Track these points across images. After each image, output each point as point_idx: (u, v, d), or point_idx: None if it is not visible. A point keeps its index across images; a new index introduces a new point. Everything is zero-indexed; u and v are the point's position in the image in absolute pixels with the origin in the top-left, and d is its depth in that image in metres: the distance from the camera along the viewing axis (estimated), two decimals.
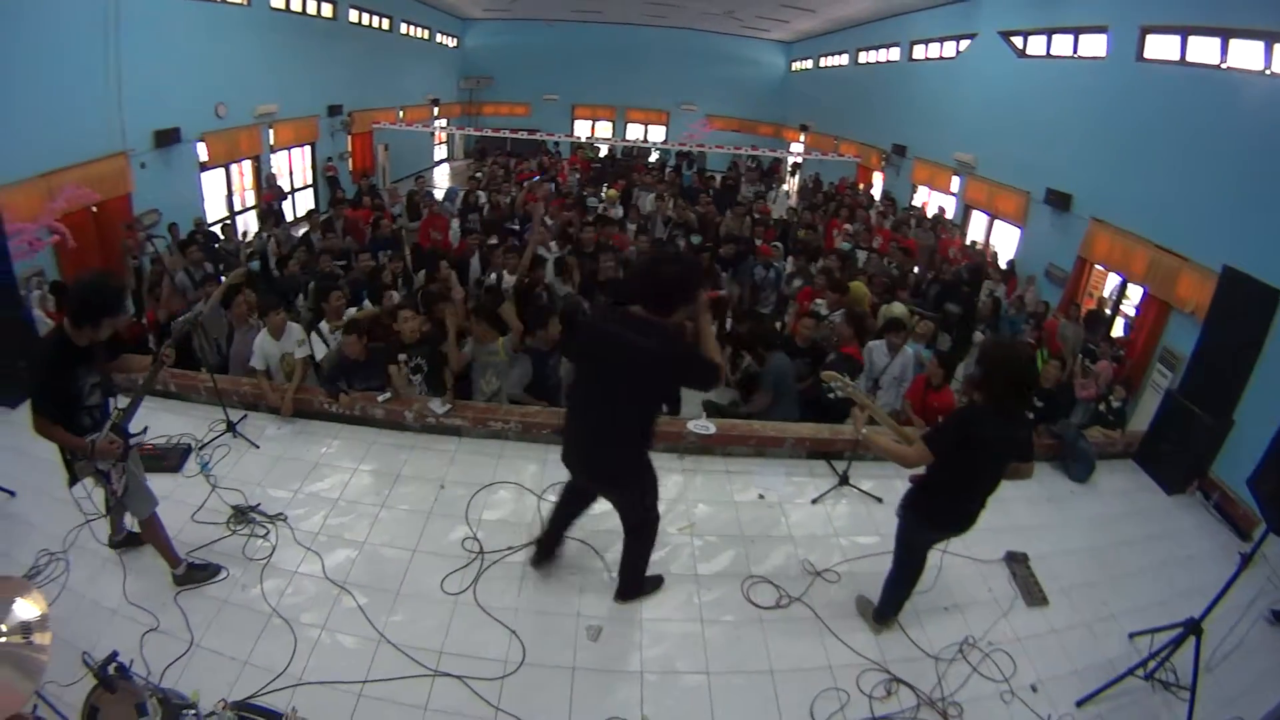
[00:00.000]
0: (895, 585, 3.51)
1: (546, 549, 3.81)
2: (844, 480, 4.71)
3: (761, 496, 4.59)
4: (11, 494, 4.55)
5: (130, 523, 3.95)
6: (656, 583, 3.80)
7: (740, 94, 24.53)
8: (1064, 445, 5.34)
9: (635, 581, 3.68)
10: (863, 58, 18.53)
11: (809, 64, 22.60)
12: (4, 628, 2.25)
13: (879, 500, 4.56)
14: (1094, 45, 9.49)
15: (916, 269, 9.16)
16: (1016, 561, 4.19)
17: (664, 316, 2.86)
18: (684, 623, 3.61)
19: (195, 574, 3.78)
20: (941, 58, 14.48)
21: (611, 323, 2.97)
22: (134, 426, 3.50)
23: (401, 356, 5.17)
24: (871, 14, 16.55)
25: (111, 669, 2.34)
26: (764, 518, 4.40)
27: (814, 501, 4.55)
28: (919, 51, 15.44)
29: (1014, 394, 2.98)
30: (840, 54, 19.90)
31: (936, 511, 3.23)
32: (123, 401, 3.53)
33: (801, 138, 22.56)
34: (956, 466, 3.01)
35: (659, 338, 2.82)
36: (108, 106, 8.51)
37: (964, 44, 13.30)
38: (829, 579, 3.92)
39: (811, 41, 21.93)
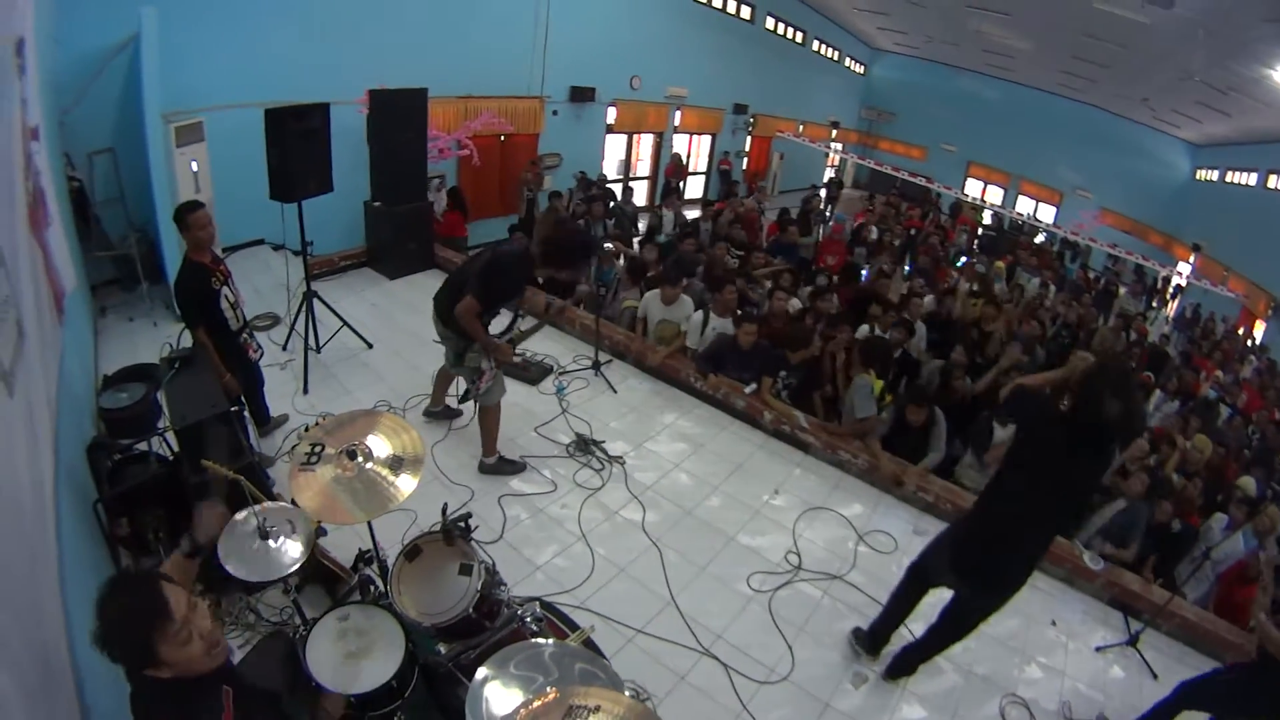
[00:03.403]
0: None
1: (878, 641, 3.61)
2: (1132, 641, 4.24)
3: (1054, 624, 4.30)
4: (370, 345, 5.66)
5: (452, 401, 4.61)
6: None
7: (1137, 192, 20.71)
8: None
9: (918, 664, 3.57)
10: (1272, 181, 15.26)
11: (1214, 175, 18.62)
12: (375, 454, 2.41)
13: (1154, 676, 4.05)
14: None
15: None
16: None
17: None
18: (939, 709, 3.50)
19: (504, 465, 4.33)
20: None
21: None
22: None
23: (781, 373, 5.36)
24: None
25: (459, 526, 2.53)
26: (1047, 644, 4.11)
27: (1097, 649, 4.17)
28: None
29: None
30: (1249, 171, 16.36)
31: (1233, 701, 3.12)
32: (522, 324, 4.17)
33: (1192, 258, 18.71)
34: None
35: None
36: (533, 55, 9.90)
37: None
38: None
39: (1220, 150, 18.08)
